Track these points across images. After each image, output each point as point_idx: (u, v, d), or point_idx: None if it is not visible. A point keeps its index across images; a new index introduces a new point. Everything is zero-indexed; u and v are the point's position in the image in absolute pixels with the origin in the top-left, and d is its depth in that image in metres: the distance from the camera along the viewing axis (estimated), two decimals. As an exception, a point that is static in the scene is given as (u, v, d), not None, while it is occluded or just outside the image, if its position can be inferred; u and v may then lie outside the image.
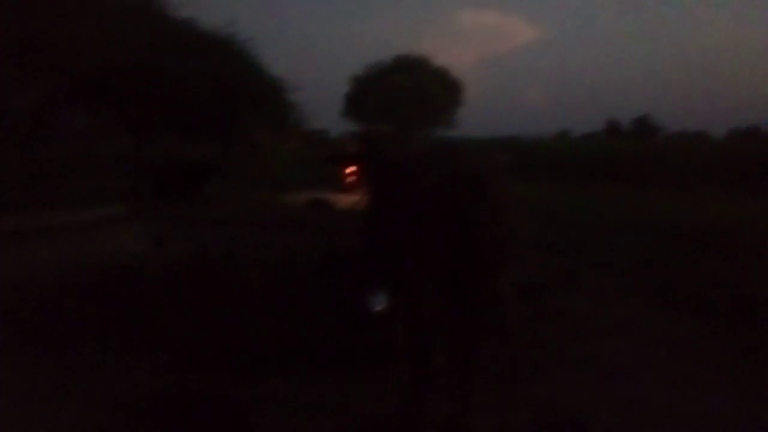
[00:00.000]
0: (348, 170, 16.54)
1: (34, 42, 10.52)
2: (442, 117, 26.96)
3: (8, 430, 3.23)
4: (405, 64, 26.95)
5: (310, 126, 17.64)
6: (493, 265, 2.98)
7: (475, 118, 27.13)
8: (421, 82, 25.23)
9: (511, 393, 3.77)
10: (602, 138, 37.67)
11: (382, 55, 28.09)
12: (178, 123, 12.79)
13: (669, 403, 3.70)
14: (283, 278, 5.78)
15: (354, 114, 27.14)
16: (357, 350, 4.30)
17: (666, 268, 7.09)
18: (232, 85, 12.06)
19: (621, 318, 5.46)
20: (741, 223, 8.51)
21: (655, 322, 5.40)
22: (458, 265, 2.88)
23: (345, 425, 3.41)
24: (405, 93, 24.50)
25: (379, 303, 4.26)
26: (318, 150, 19.10)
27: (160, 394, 3.66)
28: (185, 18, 12.42)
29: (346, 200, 8.76)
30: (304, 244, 5.99)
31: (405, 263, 2.91)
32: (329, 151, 13.05)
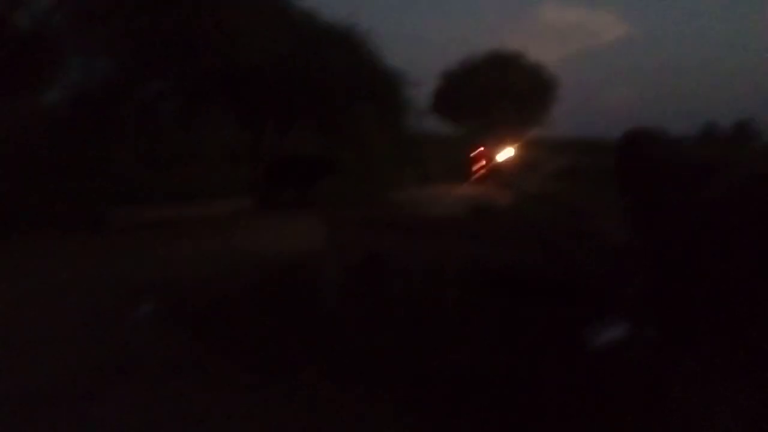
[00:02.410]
0: (477, 164, 16.07)
1: (167, 38, 10.55)
2: (535, 116, 26.06)
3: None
4: (498, 61, 26.16)
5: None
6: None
7: (558, 118, 25.76)
8: (516, 80, 24.43)
9: None
10: (697, 143, 35.69)
11: (461, 52, 27.31)
12: (294, 118, 12.65)
13: None
14: (468, 296, 5.16)
15: (444, 110, 26.56)
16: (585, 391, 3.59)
17: None
18: (351, 79, 11.73)
19: None
20: None
21: None
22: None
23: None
24: (500, 91, 23.77)
25: (613, 333, 3.69)
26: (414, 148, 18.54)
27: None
28: (306, 10, 12.17)
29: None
30: (482, 256, 5.35)
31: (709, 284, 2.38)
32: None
